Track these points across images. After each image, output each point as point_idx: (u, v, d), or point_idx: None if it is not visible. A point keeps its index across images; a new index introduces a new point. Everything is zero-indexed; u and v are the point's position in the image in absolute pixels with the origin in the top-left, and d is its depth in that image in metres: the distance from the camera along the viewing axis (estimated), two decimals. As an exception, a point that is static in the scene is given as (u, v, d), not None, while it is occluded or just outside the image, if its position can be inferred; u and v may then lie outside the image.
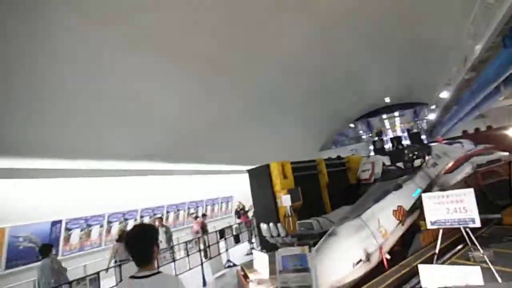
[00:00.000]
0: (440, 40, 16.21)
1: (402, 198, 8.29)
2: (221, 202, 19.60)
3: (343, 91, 26.60)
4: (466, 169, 10.13)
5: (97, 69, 8.99)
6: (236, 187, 21.20)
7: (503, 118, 17.71)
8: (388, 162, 14.14)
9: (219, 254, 10.81)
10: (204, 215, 14.44)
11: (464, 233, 5.98)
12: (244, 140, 20.56)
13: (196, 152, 16.69)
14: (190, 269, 9.43)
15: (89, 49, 8.52)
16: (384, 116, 33.86)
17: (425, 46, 18.14)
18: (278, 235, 10.58)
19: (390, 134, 34.20)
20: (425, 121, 32.36)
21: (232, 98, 17.05)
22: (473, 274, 5.42)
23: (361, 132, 35.68)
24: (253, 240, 14.42)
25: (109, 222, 13.33)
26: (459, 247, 7.97)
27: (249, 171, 13.19)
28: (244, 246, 13.44)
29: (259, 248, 12.82)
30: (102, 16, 8.59)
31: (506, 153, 10.80)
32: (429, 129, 29.35)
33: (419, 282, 6.32)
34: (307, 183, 12.84)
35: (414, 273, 6.86)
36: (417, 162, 9.77)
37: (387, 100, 30.62)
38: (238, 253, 12.41)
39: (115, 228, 13.39)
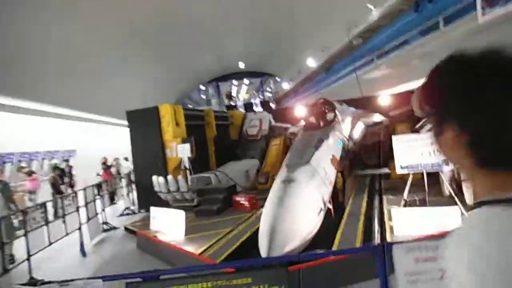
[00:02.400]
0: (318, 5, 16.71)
1: (332, 148, 7.89)
2: (63, 157, 15.39)
3: (202, 46, 25.17)
4: (362, 127, 10.68)
5: None
6: (80, 140, 17.25)
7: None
8: (273, 121, 13.90)
9: (96, 215, 8.08)
10: (56, 168, 10.77)
11: (425, 176, 5.88)
12: (94, 82, 16.78)
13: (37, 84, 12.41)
14: (67, 234, 6.60)
15: None
16: (235, 82, 34.24)
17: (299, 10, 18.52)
18: (178, 189, 8.68)
19: (238, 100, 34.99)
20: (270, 91, 34.49)
21: (99, 30, 13.41)
22: (451, 214, 5.35)
23: (210, 96, 35.10)
24: (117, 200, 11.74)
25: None
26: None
27: (129, 113, 10.44)
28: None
29: (136, 207, 10.49)
30: None
31: (384, 118, 12.00)
32: (276, 99, 31.33)
33: (383, 230, 6.03)
34: (195, 134, 11.10)
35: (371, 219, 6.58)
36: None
37: (241, 65, 30.85)
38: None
39: None
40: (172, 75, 26.82)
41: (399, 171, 5.91)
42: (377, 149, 11.59)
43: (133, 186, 11.12)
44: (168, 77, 26.43)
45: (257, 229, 6.41)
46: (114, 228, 8.63)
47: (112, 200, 10.80)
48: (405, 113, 12.07)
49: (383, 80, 13.29)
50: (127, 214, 10.08)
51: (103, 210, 8.75)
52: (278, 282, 1.89)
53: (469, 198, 6.67)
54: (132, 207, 10.47)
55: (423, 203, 6.38)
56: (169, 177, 8.68)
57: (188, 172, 9.47)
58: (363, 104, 12.74)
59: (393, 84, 12.87)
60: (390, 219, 6.08)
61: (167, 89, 28.28)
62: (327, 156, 7.33)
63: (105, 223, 8.63)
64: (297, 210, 5.25)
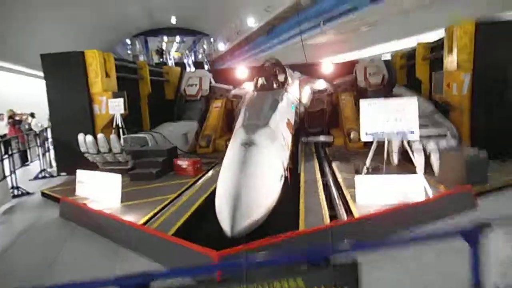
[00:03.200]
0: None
1: (286, 111, 7.43)
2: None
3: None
4: (309, 92, 10.36)
5: None
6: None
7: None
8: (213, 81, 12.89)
9: (5, 177, 6.58)
10: None
11: (386, 146, 5.66)
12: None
13: None
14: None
15: None
16: (165, 38, 31.64)
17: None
18: (109, 150, 7.48)
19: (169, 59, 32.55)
20: (203, 52, 32.67)
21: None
22: (414, 182, 5.22)
23: (137, 51, 32.06)
24: (31, 161, 9.99)
25: None
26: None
27: (45, 57, 8.59)
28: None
29: (54, 169, 8.99)
30: None
31: (328, 85, 11.78)
32: (210, 60, 29.77)
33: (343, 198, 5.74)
34: (127, 89, 9.67)
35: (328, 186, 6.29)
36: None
37: (173, 20, 28.44)
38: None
39: None
40: (94, 24, 23.70)
41: (364, 138, 5.59)
42: (321, 117, 11.46)
43: (49, 145, 9.47)
44: (89, 26, 23.29)
45: (209, 196, 5.77)
46: (28, 193, 7.19)
47: (24, 161, 9.12)
48: (348, 82, 12.08)
49: (329, 46, 13.03)
50: (44, 177, 8.55)
51: (13, 172, 7.21)
52: (343, 281, 1.29)
53: (420, 167, 6.77)
54: (50, 170, 8.93)
55: (377, 171, 6.26)
56: (100, 135, 7.40)
57: (121, 131, 8.25)
58: (306, 71, 12.38)
59: (339, 51, 12.69)
60: (347, 187, 5.88)
61: (88, 39, 24.94)
62: (283, 119, 6.84)
63: (16, 187, 7.15)
64: (260, 176, 4.67)
